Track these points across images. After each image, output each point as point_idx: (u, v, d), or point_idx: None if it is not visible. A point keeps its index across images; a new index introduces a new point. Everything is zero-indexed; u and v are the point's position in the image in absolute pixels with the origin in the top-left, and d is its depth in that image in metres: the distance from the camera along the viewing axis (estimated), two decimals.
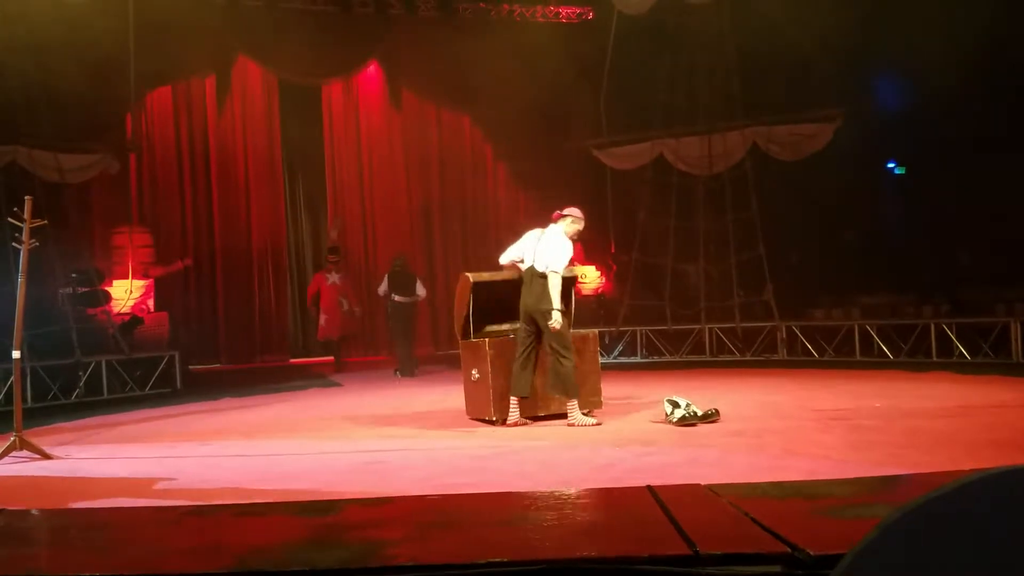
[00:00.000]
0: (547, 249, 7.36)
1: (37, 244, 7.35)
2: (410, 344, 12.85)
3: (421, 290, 12.89)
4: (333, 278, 13.46)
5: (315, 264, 17.44)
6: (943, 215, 12.65)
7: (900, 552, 0.98)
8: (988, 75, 11.74)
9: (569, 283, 7.86)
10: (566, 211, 7.58)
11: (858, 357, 11.99)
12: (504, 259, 7.75)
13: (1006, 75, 11.70)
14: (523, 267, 7.53)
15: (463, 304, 7.94)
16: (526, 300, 7.41)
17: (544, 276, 7.29)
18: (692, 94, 13.86)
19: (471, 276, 7.95)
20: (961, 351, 11.16)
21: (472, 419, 7.97)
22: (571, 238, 7.51)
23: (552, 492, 3.31)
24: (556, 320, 7.16)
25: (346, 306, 13.41)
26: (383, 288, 12.86)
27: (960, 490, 0.95)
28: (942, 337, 11.39)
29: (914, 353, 11.53)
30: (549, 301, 7.18)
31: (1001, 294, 11.68)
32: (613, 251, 16.17)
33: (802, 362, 12.26)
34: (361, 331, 15.42)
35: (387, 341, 15.14)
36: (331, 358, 14.01)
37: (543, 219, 7.78)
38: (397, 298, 12.60)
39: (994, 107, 11.98)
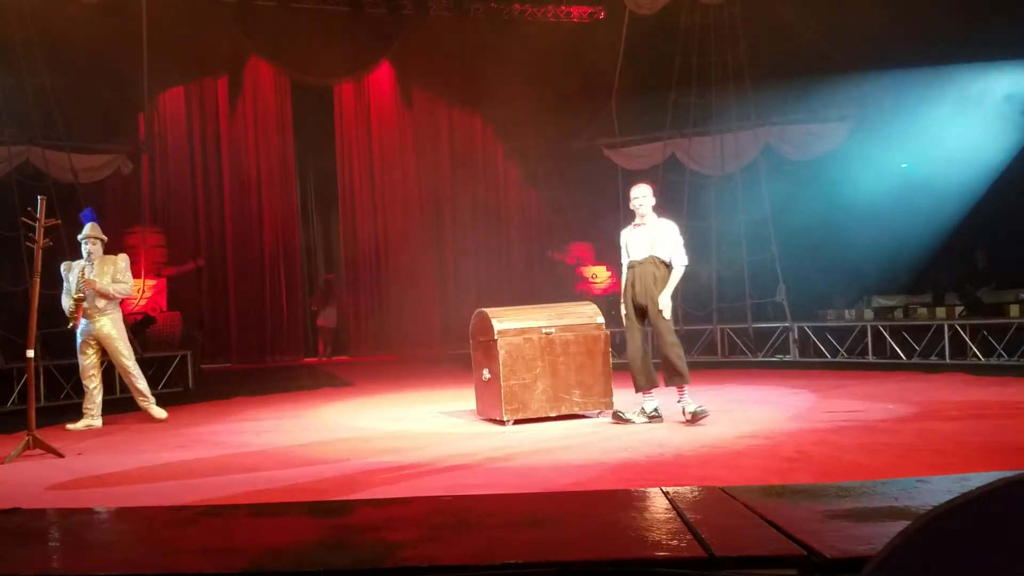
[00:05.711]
0: (671, 242, 7.42)
1: (51, 244, 7.40)
2: (330, 335, 17.04)
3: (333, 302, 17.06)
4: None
5: (326, 263, 17.71)
6: (957, 215, 12.57)
7: (926, 560, 0.96)
8: None
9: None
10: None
11: (871, 358, 11.93)
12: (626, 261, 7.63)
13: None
14: (629, 260, 7.53)
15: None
16: (639, 291, 7.44)
17: (662, 265, 7.38)
18: (704, 93, 13.81)
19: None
20: (975, 352, 11.09)
21: (483, 419, 7.98)
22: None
23: (565, 494, 3.31)
24: (667, 307, 7.29)
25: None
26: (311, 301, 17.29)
27: (988, 496, 0.94)
28: (956, 338, 11.32)
29: (927, 354, 11.46)
30: (660, 290, 7.30)
31: (1016, 295, 11.61)
32: None
33: (815, 363, 12.20)
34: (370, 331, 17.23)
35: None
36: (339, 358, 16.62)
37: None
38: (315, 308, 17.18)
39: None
